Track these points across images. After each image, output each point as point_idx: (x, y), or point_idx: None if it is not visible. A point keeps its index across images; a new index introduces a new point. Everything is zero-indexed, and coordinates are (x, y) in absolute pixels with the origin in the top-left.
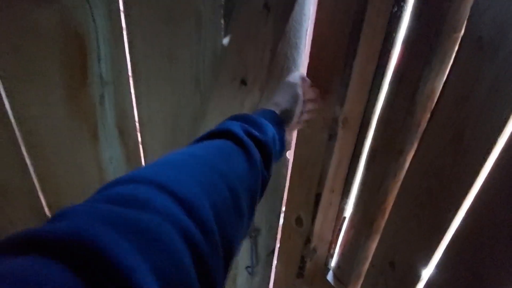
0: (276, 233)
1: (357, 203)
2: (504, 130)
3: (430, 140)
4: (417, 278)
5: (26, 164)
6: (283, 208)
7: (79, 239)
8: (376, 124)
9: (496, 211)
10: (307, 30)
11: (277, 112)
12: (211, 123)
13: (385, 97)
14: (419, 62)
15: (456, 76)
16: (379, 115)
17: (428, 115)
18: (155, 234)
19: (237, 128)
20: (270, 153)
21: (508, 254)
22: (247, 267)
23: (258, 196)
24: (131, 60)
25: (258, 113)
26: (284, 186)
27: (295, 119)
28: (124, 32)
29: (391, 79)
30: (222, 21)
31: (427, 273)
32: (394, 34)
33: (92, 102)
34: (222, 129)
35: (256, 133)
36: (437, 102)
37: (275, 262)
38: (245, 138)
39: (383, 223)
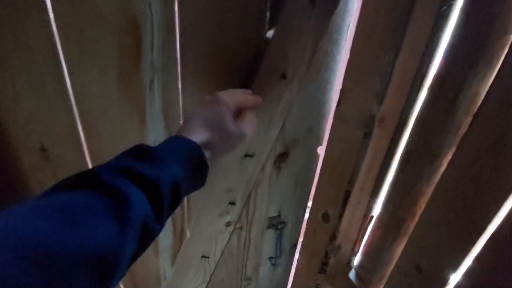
0: (301, 227)
1: (386, 203)
2: None
3: (469, 145)
4: (443, 283)
5: (81, 140)
6: (310, 203)
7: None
8: (413, 125)
9: None
10: (349, 26)
11: (196, 140)
12: None
13: (425, 98)
14: (464, 64)
15: (503, 80)
16: (417, 116)
17: (470, 119)
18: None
19: (112, 170)
20: (163, 195)
21: None
22: (270, 258)
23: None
24: (180, 49)
25: (164, 144)
26: (312, 181)
27: (223, 144)
28: (176, 21)
29: (433, 80)
30: (268, 14)
31: (454, 278)
32: (439, 34)
33: (142, 87)
34: (90, 174)
35: (145, 171)
36: (480, 106)
37: (297, 255)
38: (120, 182)
39: (412, 226)
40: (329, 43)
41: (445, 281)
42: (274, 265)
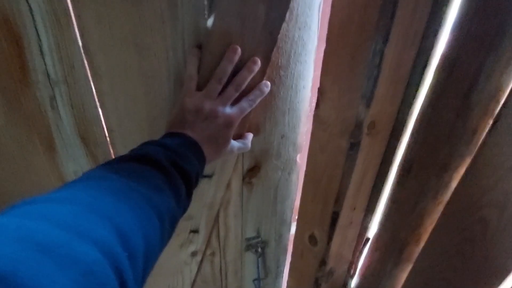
0: (287, 245)
1: (384, 222)
2: None
3: (490, 154)
4: None
5: None
6: (295, 217)
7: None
8: (413, 130)
9: None
10: (320, 6)
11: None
12: None
13: (426, 94)
14: (480, 47)
15: None
16: (417, 118)
17: (491, 121)
18: (87, 267)
19: (162, 157)
20: (192, 187)
21: None
22: (254, 279)
23: (179, 218)
24: (85, 52)
25: (180, 143)
26: (295, 194)
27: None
28: (72, 14)
29: (436, 71)
30: None
31: None
32: (444, 8)
33: (39, 106)
34: (147, 155)
35: (184, 167)
36: (505, 103)
37: (286, 276)
38: (172, 170)
39: (416, 251)
40: (295, 28)
41: None
42: (258, 287)
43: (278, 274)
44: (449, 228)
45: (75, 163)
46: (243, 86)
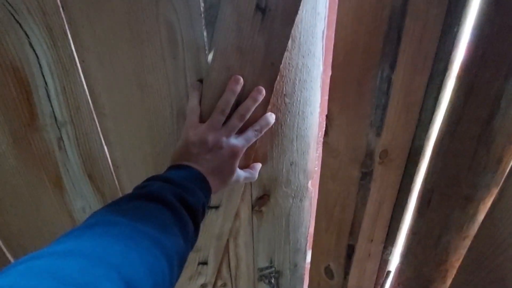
0: (303, 274)
1: (406, 255)
2: None
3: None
4: None
5: None
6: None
7: None
8: (431, 158)
9: None
10: (324, 33)
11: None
12: None
13: (444, 119)
14: (499, 69)
15: None
16: (435, 145)
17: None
18: None
19: (168, 193)
20: (199, 220)
21: None
22: None
23: (187, 254)
24: (90, 93)
25: (185, 176)
26: (309, 222)
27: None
28: (76, 58)
29: (453, 95)
30: (205, 33)
31: None
32: (455, 29)
33: (48, 147)
34: (153, 192)
35: (190, 201)
36: None
37: None
38: (179, 206)
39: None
40: (298, 56)
41: None
42: None
43: None
44: (477, 265)
45: (83, 199)
46: (247, 116)
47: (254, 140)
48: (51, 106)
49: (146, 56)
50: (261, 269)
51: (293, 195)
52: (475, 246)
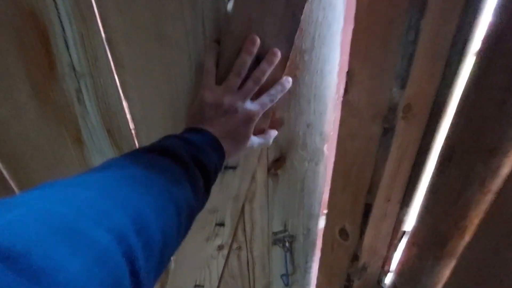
0: (316, 239)
1: (423, 215)
2: None
3: None
4: None
5: (6, 180)
6: (324, 211)
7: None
8: (455, 112)
9: None
10: None
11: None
12: None
13: (470, 72)
14: None
15: None
16: (460, 98)
17: None
18: (100, 252)
19: (183, 151)
20: (211, 182)
21: None
22: (282, 275)
23: (197, 213)
24: (108, 43)
25: (200, 139)
26: (323, 187)
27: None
28: (95, 7)
29: (482, 45)
30: None
31: None
32: None
33: (67, 99)
34: (168, 147)
35: (203, 160)
36: None
37: (316, 271)
38: (192, 164)
39: (461, 246)
40: (319, 8)
41: None
42: (287, 284)
43: (307, 270)
44: (499, 219)
45: (102, 155)
46: (263, 80)
47: (269, 105)
48: (69, 56)
49: (164, 5)
50: (275, 233)
51: (308, 158)
52: (497, 200)
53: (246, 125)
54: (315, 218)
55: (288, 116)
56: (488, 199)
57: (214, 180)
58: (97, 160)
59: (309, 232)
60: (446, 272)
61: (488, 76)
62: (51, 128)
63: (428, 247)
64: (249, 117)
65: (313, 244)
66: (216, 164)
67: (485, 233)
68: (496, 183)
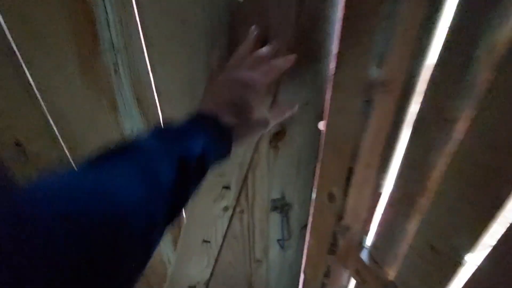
0: (309, 208)
1: (397, 179)
2: None
3: (492, 107)
4: (459, 264)
5: (55, 133)
6: (316, 183)
7: None
8: (426, 88)
9: None
10: None
11: (216, 115)
12: None
13: (439, 52)
14: (481, 6)
15: None
16: (430, 76)
17: (493, 75)
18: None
19: (149, 143)
20: (192, 170)
21: None
22: (278, 240)
23: (161, 220)
24: (141, 24)
25: (189, 121)
26: (316, 160)
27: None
28: None
29: (449, 28)
30: None
31: (470, 259)
32: None
33: (106, 71)
34: (127, 144)
35: (176, 148)
36: (504, 57)
37: (308, 237)
38: (154, 155)
39: (426, 203)
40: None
41: (461, 262)
42: (282, 247)
43: (301, 237)
44: (456, 177)
45: (132, 121)
46: (271, 74)
47: (271, 76)
48: (110, 34)
49: None
50: (273, 200)
51: (305, 134)
52: (453, 162)
53: (247, 91)
54: (309, 188)
55: (286, 96)
56: (446, 161)
57: (202, 174)
58: (127, 126)
59: (304, 202)
60: (415, 228)
61: (449, 57)
62: (92, 96)
63: (400, 206)
64: (250, 82)
65: (307, 213)
66: (204, 154)
67: (443, 191)
68: (452, 148)
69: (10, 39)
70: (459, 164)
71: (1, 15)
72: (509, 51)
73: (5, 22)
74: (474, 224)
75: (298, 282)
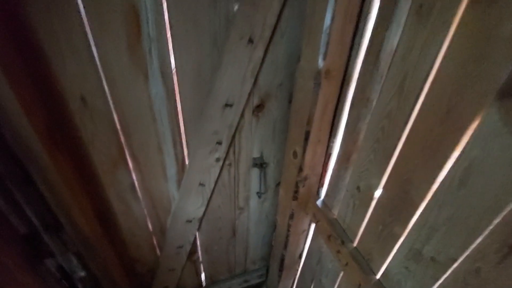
0: (281, 167)
1: (341, 142)
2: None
3: (385, 90)
4: (371, 198)
5: (106, 92)
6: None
7: None
8: (358, 77)
9: (423, 135)
10: None
11: None
12: (225, 71)
13: (364, 54)
14: (383, 24)
15: (403, 37)
16: (360, 69)
17: (387, 68)
18: None
19: None
20: None
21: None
22: (257, 192)
23: None
24: (169, 23)
25: None
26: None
27: None
28: (164, 1)
29: (368, 40)
30: None
31: (378, 193)
32: (367, 9)
33: (143, 52)
34: None
35: None
36: (393, 57)
37: (280, 190)
38: None
39: (356, 157)
40: (291, 11)
41: (372, 196)
42: (260, 198)
43: (275, 192)
44: (369, 136)
45: (156, 87)
46: None
47: None
48: (148, 28)
49: (200, 2)
50: (254, 158)
51: (279, 108)
52: (367, 126)
53: None
54: (282, 152)
55: (266, 78)
56: (365, 127)
57: None
58: (153, 91)
59: (278, 162)
60: (349, 176)
61: (367, 57)
62: (134, 69)
63: (341, 162)
64: None
65: (280, 170)
66: None
67: (363, 147)
68: (368, 118)
69: (90, 34)
70: (370, 127)
71: (86, 13)
72: (394, 54)
73: (87, 19)
74: (379, 168)
75: (273, 230)
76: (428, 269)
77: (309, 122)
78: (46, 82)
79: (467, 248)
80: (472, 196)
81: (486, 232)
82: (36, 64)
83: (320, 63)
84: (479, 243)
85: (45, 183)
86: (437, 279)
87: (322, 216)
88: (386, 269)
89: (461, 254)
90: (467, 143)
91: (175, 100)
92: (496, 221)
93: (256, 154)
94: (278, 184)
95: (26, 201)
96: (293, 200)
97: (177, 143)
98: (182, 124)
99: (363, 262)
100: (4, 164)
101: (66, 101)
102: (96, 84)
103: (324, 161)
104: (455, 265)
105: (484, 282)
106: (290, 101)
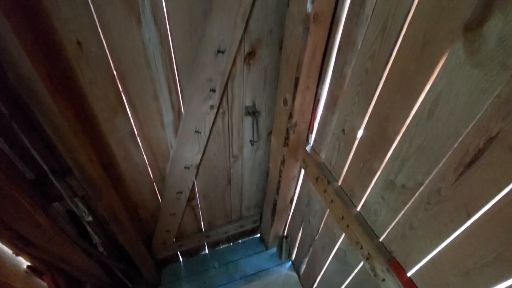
0: (272, 116)
1: (328, 87)
2: (410, 12)
3: (369, 32)
4: (355, 138)
5: (100, 36)
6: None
7: None
8: (345, 20)
9: (392, 92)
10: None
11: None
12: (216, 17)
13: None
14: None
15: None
16: (346, 13)
17: (372, 9)
18: None
19: None
20: None
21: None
22: (250, 140)
23: None
24: (166, 11)
25: None
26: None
27: None
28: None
29: None
30: None
31: (360, 134)
32: None
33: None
34: None
35: None
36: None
37: (272, 139)
38: None
39: (342, 101)
40: None
41: (355, 137)
42: (253, 145)
43: (267, 141)
44: (353, 79)
45: (149, 32)
46: None
47: None
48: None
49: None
50: (246, 107)
51: (270, 55)
52: (352, 70)
53: None
54: (273, 101)
55: (256, 24)
56: (350, 72)
57: None
58: (146, 36)
59: (269, 110)
60: (335, 120)
61: (353, 3)
62: (126, 13)
63: (328, 107)
64: None
65: (271, 119)
66: None
67: (348, 89)
68: (353, 62)
69: None
70: (354, 70)
71: None
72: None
73: None
74: (362, 110)
75: (266, 178)
76: (399, 195)
77: (299, 69)
78: (42, 26)
79: (431, 172)
80: (437, 126)
81: (447, 156)
82: (32, 8)
83: (309, 7)
84: (440, 167)
85: (50, 125)
86: (406, 203)
87: (310, 160)
88: (365, 201)
89: (427, 178)
90: (436, 76)
91: (169, 47)
92: (455, 146)
93: (248, 103)
94: (270, 133)
95: (34, 146)
96: (284, 146)
97: (172, 90)
98: (176, 71)
99: (346, 198)
100: (10, 109)
101: (63, 46)
102: (90, 29)
103: (313, 108)
104: (421, 188)
105: (444, 199)
106: (280, 48)
